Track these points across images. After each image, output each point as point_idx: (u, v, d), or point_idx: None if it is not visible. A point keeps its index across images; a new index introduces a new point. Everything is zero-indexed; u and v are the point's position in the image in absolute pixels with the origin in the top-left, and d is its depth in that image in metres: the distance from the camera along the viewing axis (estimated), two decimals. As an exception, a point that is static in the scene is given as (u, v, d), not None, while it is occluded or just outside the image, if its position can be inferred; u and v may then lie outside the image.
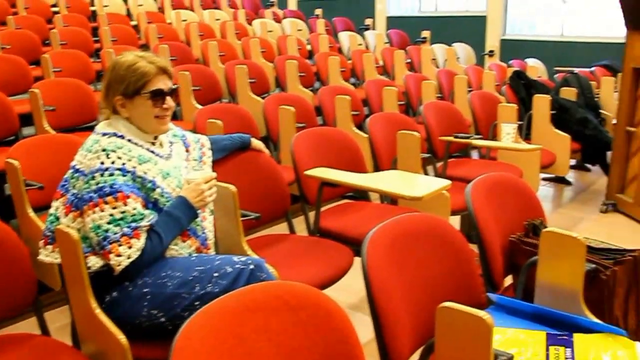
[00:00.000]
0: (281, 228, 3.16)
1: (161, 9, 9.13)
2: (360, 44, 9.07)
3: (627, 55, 4.74)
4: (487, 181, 2.35)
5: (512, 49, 10.12)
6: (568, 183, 5.63)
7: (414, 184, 2.80)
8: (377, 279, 1.67)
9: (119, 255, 1.91)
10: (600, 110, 5.65)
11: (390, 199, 3.52)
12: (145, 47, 6.98)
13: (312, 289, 1.52)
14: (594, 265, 1.94)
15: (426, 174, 3.99)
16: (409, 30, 10.36)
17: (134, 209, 1.94)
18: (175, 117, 4.82)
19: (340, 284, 2.48)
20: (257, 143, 2.87)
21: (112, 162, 1.96)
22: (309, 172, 2.93)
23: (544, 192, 5.47)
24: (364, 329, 1.69)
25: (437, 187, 2.63)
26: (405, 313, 1.71)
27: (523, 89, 5.26)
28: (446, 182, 2.71)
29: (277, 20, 9.86)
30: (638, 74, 4.67)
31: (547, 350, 1.75)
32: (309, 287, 1.52)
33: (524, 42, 10.24)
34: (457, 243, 1.97)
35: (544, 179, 5.57)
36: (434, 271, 1.88)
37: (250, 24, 9.11)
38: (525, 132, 4.92)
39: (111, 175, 1.94)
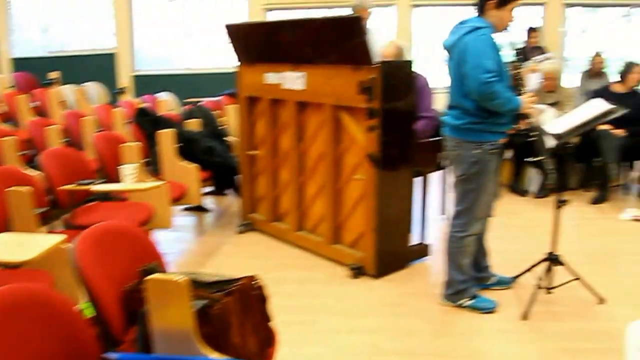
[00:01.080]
0: None
1: None
2: (-22, 91, 8.27)
3: (240, 85, 5.05)
4: (95, 233, 2.22)
5: (146, 84, 10.17)
6: (207, 210, 5.80)
7: (24, 245, 2.56)
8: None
9: None
10: (225, 137, 5.92)
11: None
12: None
13: None
14: (205, 302, 1.95)
15: (52, 229, 3.73)
16: (38, 71, 9.75)
17: None
18: None
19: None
20: None
21: None
22: None
23: (187, 223, 5.55)
24: None
25: (48, 246, 2.44)
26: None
27: (149, 125, 5.26)
28: (59, 238, 2.53)
29: None
30: (251, 102, 5.00)
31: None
32: None
33: (156, 77, 10.37)
34: (62, 309, 1.82)
35: (186, 209, 5.65)
36: (39, 348, 1.70)
37: None
38: (154, 167, 4.92)
39: None
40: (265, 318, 2.20)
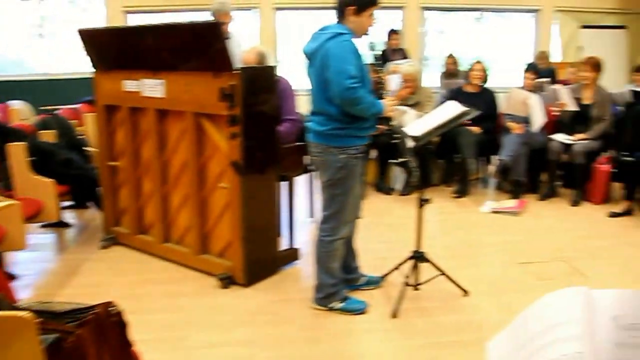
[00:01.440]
0: None
1: None
2: None
3: (97, 93, 4.81)
4: None
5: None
6: (68, 225, 5.49)
7: None
8: None
9: None
10: (84, 148, 5.63)
11: None
12: None
13: None
14: (56, 335, 1.81)
15: None
16: None
17: None
18: None
19: None
20: None
21: None
22: None
23: (45, 240, 5.21)
24: None
25: None
26: None
27: (-2, 137, 4.89)
28: None
29: None
30: (110, 110, 4.78)
31: None
32: None
33: (9, 83, 9.70)
34: None
35: (44, 226, 5.31)
36: None
37: None
38: (5, 183, 4.58)
39: None
40: (125, 344, 2.08)
